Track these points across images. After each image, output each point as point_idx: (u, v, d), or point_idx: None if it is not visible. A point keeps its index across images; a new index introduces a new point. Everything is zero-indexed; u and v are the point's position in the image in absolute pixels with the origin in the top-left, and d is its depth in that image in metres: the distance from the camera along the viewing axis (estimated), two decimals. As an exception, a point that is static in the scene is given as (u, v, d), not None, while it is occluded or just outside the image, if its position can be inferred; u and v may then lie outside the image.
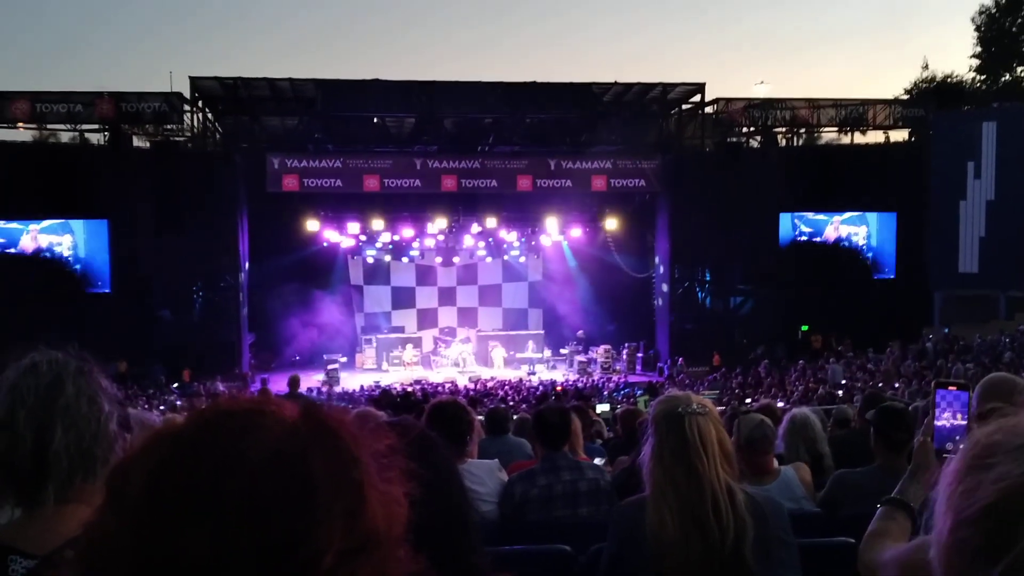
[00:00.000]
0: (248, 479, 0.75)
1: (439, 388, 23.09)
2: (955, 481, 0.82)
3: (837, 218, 27.44)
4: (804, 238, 27.39)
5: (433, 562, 1.35)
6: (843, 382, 20.16)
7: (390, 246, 28.25)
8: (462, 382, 24.78)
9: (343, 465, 0.80)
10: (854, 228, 27.54)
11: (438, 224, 26.81)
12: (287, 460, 0.77)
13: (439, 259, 29.65)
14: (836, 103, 28.11)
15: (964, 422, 2.10)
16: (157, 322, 24.60)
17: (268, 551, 0.73)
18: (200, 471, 0.75)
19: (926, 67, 35.71)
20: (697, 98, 27.24)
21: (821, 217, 27.39)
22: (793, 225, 27.32)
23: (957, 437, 2.08)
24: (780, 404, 13.27)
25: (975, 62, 34.03)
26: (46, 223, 23.98)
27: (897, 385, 18.30)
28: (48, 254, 24.04)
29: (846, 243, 27.62)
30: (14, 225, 23.92)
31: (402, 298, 30.30)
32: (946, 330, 23.46)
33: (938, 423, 2.14)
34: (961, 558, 0.78)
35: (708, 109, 27.54)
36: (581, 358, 27.68)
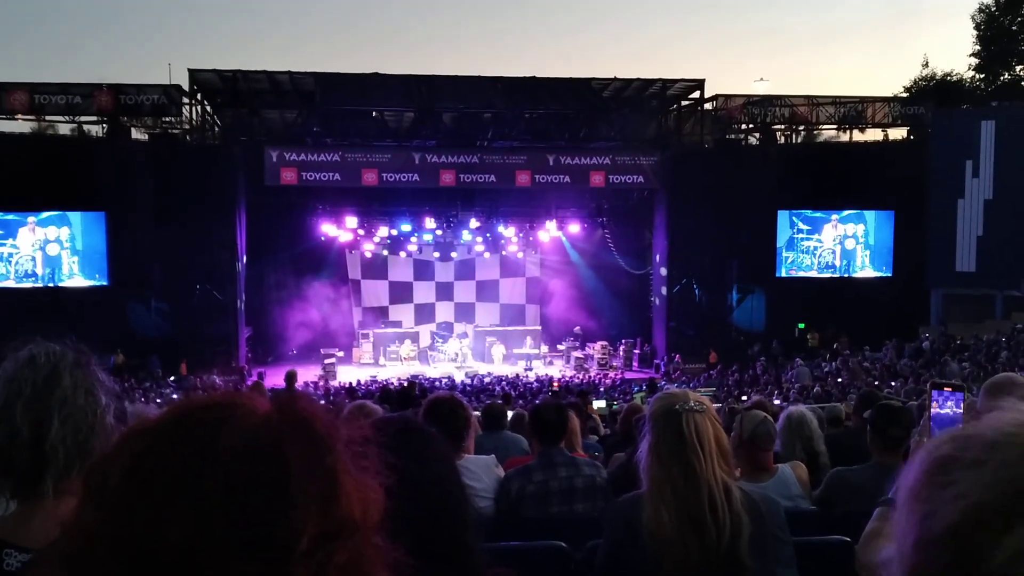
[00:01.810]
0: (223, 467, 0.76)
1: (436, 383, 23.08)
2: (913, 496, 0.81)
3: (835, 216, 27.46)
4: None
5: (430, 558, 1.35)
6: (842, 382, 20.18)
7: (388, 240, 28.23)
8: (459, 377, 24.79)
9: (316, 453, 0.82)
10: (852, 227, 27.55)
11: (436, 219, 26.84)
12: (261, 448, 0.79)
13: (437, 254, 29.64)
14: (835, 100, 28.12)
15: (960, 423, 2.10)
16: (154, 315, 24.59)
17: (245, 536, 0.75)
18: (176, 461, 0.77)
19: (926, 65, 35.65)
20: (696, 94, 27.22)
21: (819, 215, 27.42)
22: (791, 223, 27.35)
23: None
24: (776, 402, 13.30)
25: (974, 61, 34.03)
26: (44, 215, 23.97)
27: (893, 384, 18.34)
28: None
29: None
30: (12, 217, 23.92)
31: (400, 293, 30.29)
32: (942, 328, 23.49)
33: (934, 424, 2.14)
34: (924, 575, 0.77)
35: (707, 106, 27.56)
36: (578, 354, 27.69)
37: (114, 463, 0.79)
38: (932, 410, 2.13)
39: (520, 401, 17.13)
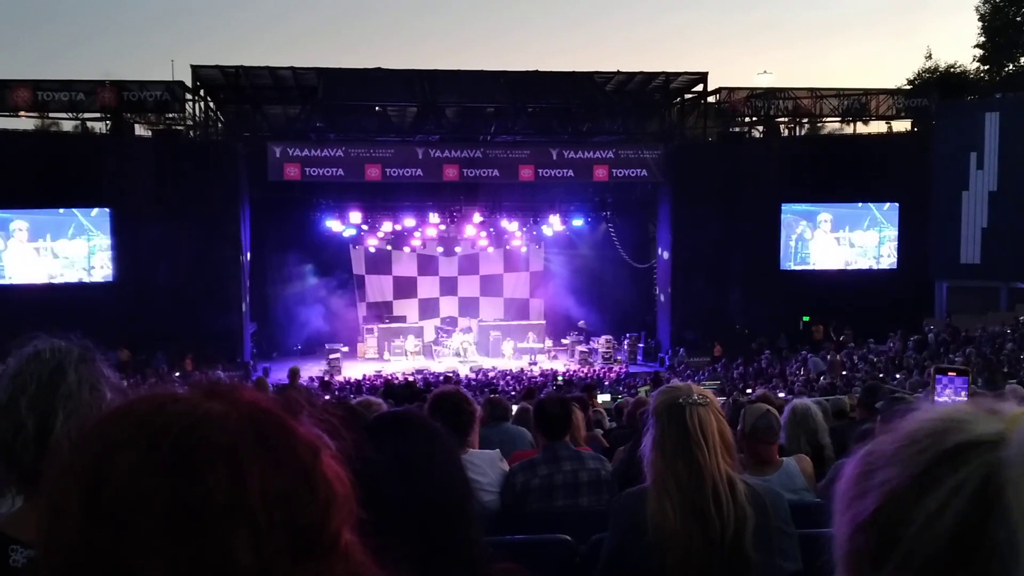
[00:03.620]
0: (261, 482, 0.76)
1: (440, 378, 23.12)
2: (848, 489, 0.86)
3: (839, 209, 27.37)
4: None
5: (435, 551, 1.36)
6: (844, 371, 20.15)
7: (392, 236, 28.25)
8: (464, 372, 24.83)
9: (315, 446, 0.83)
10: (856, 219, 27.50)
11: (439, 214, 26.87)
12: (281, 453, 0.79)
13: (440, 249, 29.66)
14: (839, 93, 28.05)
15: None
16: (158, 310, 24.63)
17: (301, 540, 0.77)
18: (215, 493, 0.75)
19: (930, 57, 35.45)
20: (700, 88, 27.20)
21: (823, 207, 27.32)
22: (795, 215, 27.29)
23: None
24: (781, 395, 13.30)
25: (979, 52, 33.93)
26: (47, 212, 23.96)
27: (898, 376, 18.31)
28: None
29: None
30: (14, 214, 23.91)
31: (404, 288, 30.31)
32: (947, 319, 23.44)
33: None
34: (858, 563, 0.82)
35: (711, 99, 27.51)
36: (582, 348, 27.70)
37: (143, 504, 0.74)
38: (935, 394, 2.13)
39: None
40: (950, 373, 2.15)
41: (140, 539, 0.73)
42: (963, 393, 2.11)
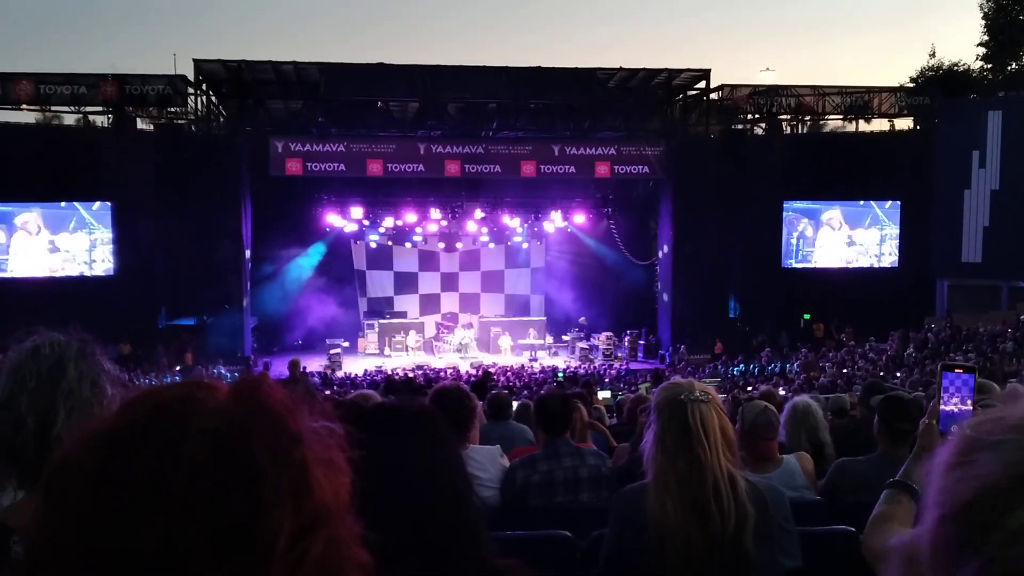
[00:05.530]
0: (192, 469, 0.74)
1: (441, 374, 23.13)
2: (941, 475, 0.82)
3: (841, 207, 27.38)
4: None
5: (438, 548, 1.35)
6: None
7: (393, 231, 28.22)
8: (464, 368, 24.82)
9: (285, 444, 0.79)
10: (858, 217, 27.51)
11: (441, 209, 26.85)
12: (229, 446, 0.76)
13: (442, 245, 29.63)
14: (841, 90, 28.01)
15: (970, 406, 2.10)
16: (159, 304, 24.62)
17: (221, 540, 0.73)
18: (142, 467, 0.74)
19: (933, 55, 35.34)
20: (702, 84, 27.15)
21: (825, 205, 27.34)
22: (797, 213, 27.34)
23: (964, 421, 2.07)
24: (781, 392, 13.30)
25: (982, 51, 33.83)
26: (49, 205, 23.98)
27: (899, 374, 18.33)
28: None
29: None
30: (15, 207, 23.91)
31: (405, 283, 30.31)
32: (948, 318, 23.43)
33: (944, 406, 2.13)
34: (945, 553, 0.78)
35: (713, 96, 27.46)
36: (583, 345, 27.69)
37: (77, 468, 0.75)
38: (941, 392, 2.11)
39: (525, 392, 17.18)
40: (957, 370, 2.12)
41: (70, 507, 0.73)
42: (966, 400, 2.09)
